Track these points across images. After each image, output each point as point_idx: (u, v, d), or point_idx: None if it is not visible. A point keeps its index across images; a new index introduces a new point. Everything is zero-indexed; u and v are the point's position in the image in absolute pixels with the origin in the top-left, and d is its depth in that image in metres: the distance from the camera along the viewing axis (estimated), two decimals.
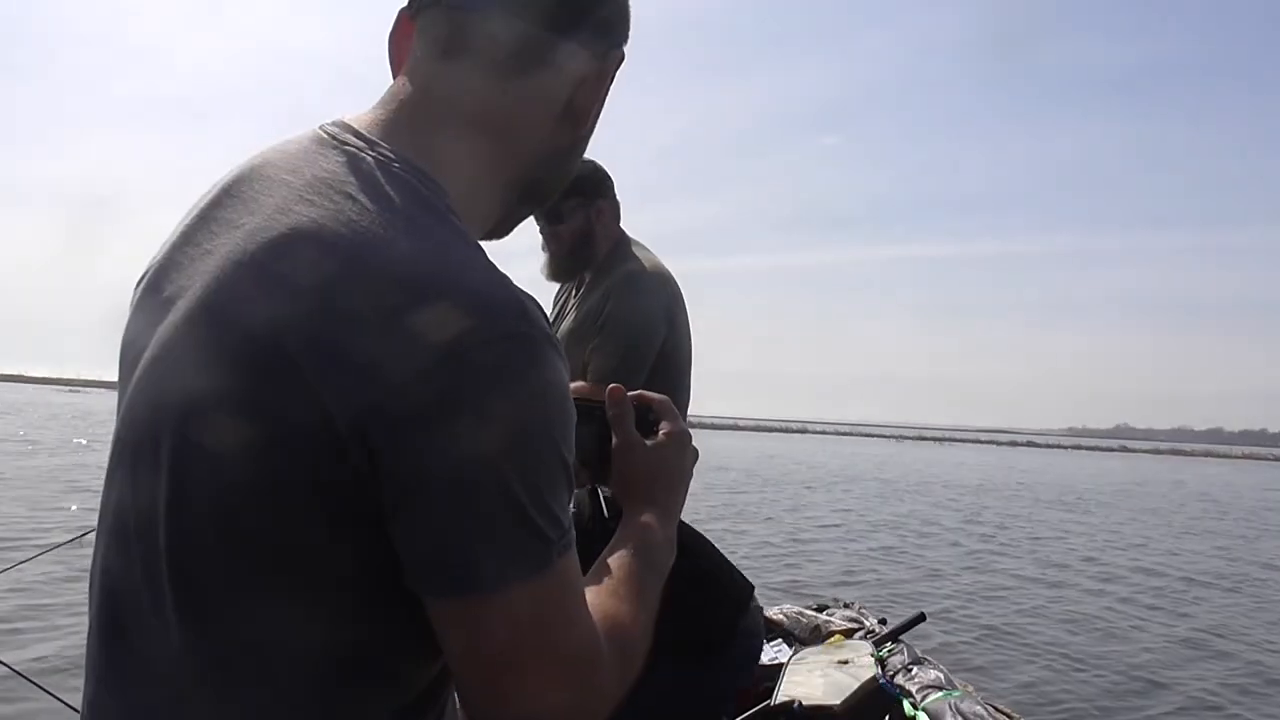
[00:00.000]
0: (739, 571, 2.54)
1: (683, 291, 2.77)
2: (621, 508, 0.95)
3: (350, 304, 0.69)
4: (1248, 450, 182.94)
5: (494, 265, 0.75)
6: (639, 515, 0.93)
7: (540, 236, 2.76)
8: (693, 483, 1.02)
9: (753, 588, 2.55)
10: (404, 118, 0.84)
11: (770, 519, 14.23)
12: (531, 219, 2.70)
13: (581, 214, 2.67)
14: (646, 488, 0.95)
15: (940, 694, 2.66)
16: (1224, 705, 6.20)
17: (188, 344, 0.75)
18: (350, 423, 0.67)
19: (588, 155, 2.88)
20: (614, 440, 0.95)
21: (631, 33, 0.91)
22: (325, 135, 0.82)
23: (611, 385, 0.97)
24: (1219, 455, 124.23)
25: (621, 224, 2.80)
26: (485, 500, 0.68)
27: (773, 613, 3.74)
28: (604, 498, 1.24)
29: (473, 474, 0.68)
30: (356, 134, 0.82)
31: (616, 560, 0.88)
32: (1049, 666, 6.80)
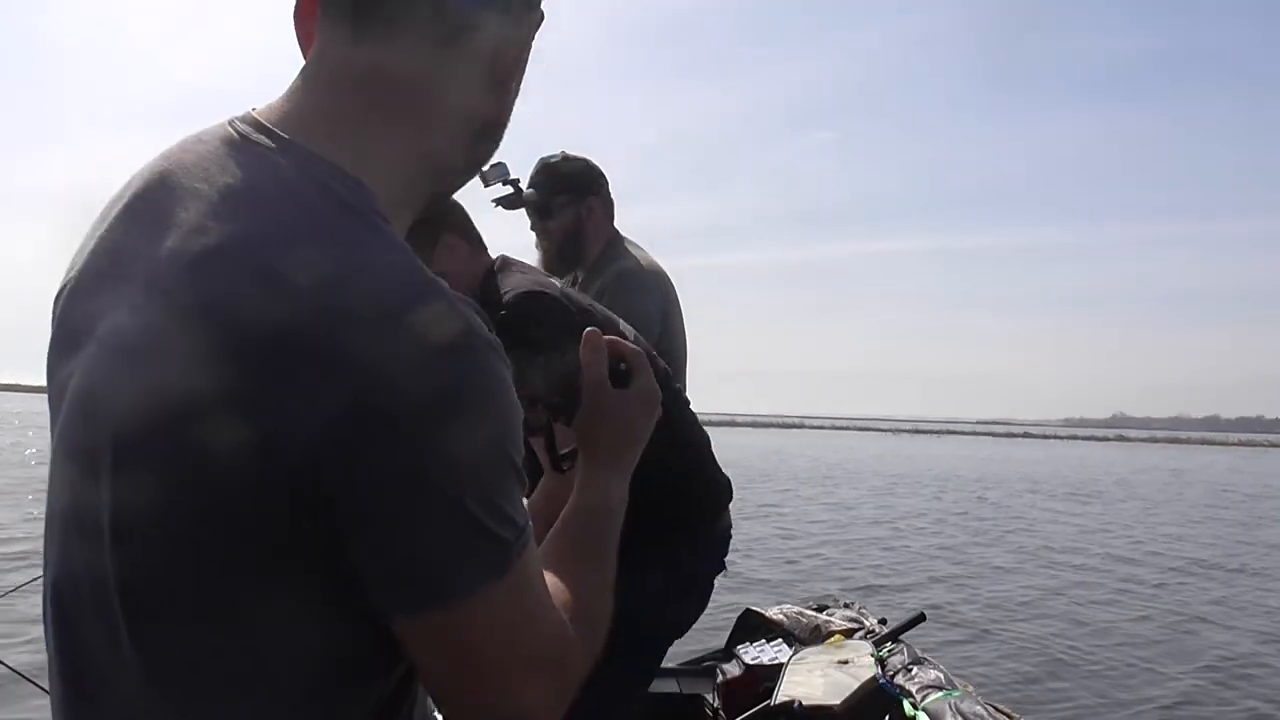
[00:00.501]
0: (721, 472, 2.52)
1: (676, 289, 2.76)
2: (576, 451, 0.96)
3: (287, 324, 0.66)
4: (1244, 437, 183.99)
5: (427, 270, 0.72)
6: (597, 469, 0.94)
7: (533, 233, 2.76)
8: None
9: (731, 496, 2.53)
10: (316, 107, 0.79)
11: (798, 517, 14.33)
12: (525, 216, 2.71)
13: (571, 211, 2.67)
14: (608, 437, 0.95)
15: (940, 694, 2.66)
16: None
17: (138, 360, 0.71)
18: (308, 443, 0.66)
19: (580, 153, 2.88)
20: (584, 384, 0.95)
21: None
22: (235, 135, 0.78)
23: (589, 329, 0.96)
24: (1215, 443, 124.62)
25: (614, 223, 2.79)
26: (448, 509, 0.68)
27: (773, 613, 3.74)
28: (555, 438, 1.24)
29: (438, 482, 0.68)
30: (268, 132, 0.77)
31: (578, 529, 0.90)
32: (1108, 676, 6.69)
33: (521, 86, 0.87)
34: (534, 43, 0.87)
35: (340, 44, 0.80)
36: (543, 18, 0.86)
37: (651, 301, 2.61)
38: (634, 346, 0.98)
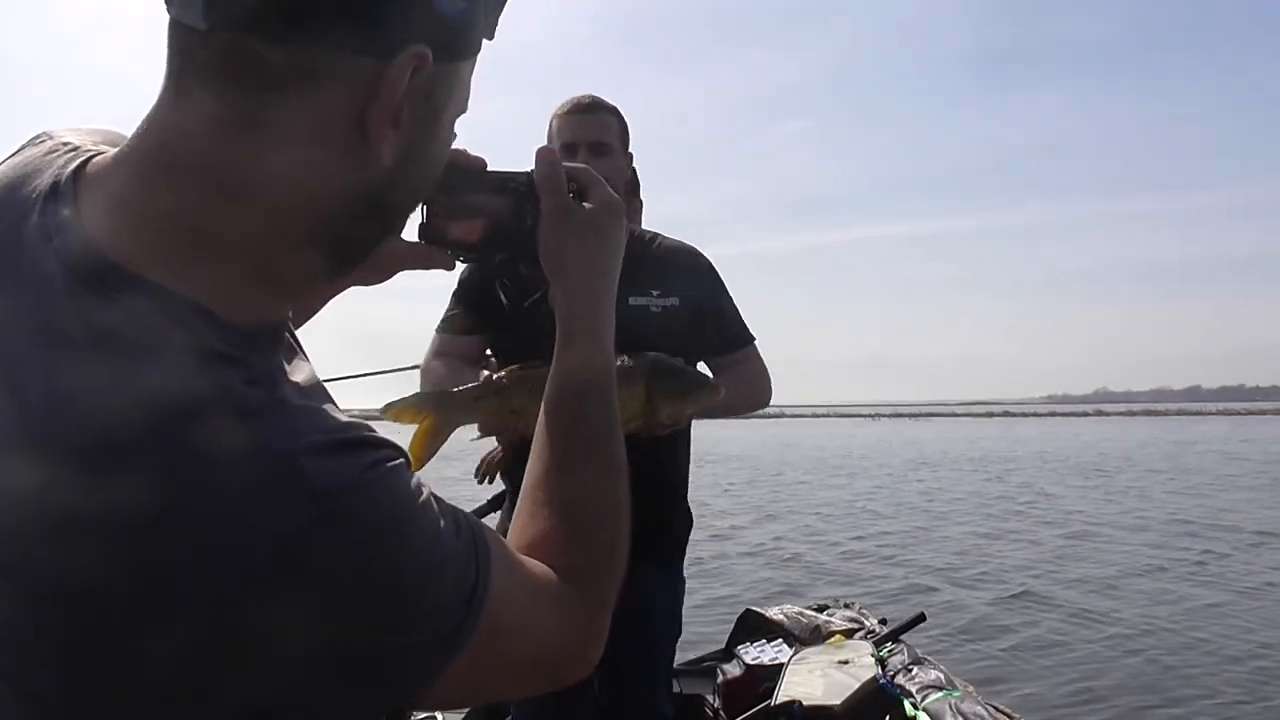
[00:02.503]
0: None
1: None
2: (549, 283, 0.87)
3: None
4: (1222, 406, 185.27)
5: (291, 414, 0.60)
6: (574, 296, 0.86)
7: None
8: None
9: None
10: (153, 195, 0.62)
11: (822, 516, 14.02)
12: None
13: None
14: (589, 257, 0.86)
15: (941, 694, 2.68)
16: None
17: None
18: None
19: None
20: (543, 206, 0.86)
21: (450, 20, 0.64)
22: (68, 273, 0.60)
23: (541, 146, 0.87)
24: (1191, 413, 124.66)
25: None
26: (405, 639, 0.62)
27: (773, 613, 3.76)
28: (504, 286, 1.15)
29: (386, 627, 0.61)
30: (94, 252, 0.60)
31: (572, 409, 0.82)
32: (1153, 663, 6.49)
33: (431, 136, 0.69)
34: (437, 84, 0.66)
35: (166, 103, 0.63)
36: (428, 56, 0.63)
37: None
38: (582, 165, 0.90)
